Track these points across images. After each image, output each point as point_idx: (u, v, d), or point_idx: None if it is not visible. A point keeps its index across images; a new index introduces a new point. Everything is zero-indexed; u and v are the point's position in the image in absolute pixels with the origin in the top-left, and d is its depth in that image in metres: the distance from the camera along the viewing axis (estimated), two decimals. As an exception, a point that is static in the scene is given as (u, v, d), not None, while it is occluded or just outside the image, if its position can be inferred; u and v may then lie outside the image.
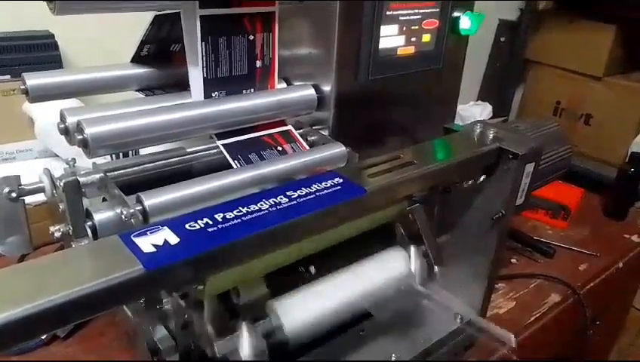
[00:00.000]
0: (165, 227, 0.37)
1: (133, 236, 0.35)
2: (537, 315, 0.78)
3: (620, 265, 0.96)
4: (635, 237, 1.02)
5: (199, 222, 0.38)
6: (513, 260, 0.90)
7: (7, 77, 0.89)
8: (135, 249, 0.34)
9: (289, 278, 0.50)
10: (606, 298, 1.02)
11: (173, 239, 0.36)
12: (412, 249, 0.55)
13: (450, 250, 0.65)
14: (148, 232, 0.36)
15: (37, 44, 0.90)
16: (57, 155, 0.92)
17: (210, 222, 0.38)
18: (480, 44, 1.88)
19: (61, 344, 0.66)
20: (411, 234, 0.62)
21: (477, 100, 1.58)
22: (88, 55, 0.99)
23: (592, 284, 0.89)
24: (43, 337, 0.65)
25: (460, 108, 1.34)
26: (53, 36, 0.92)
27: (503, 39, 1.89)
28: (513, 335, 0.50)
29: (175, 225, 0.37)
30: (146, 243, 0.35)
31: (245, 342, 0.42)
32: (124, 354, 0.63)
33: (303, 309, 0.47)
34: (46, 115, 0.88)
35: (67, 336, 0.67)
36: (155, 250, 0.34)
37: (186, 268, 0.34)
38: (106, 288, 0.31)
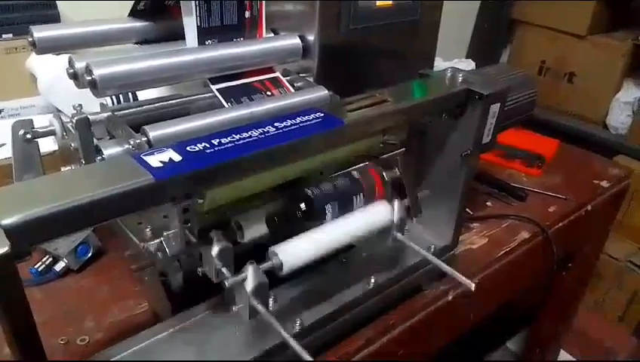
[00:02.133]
0: (170, 149, 0.43)
1: (143, 155, 0.42)
2: (507, 250, 0.86)
3: (589, 208, 1.03)
4: (604, 183, 1.08)
5: (198, 145, 0.44)
6: (488, 203, 0.97)
7: (10, 35, 0.94)
8: (145, 164, 0.40)
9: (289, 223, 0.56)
10: (575, 239, 1.10)
11: (177, 157, 0.42)
12: (396, 203, 0.60)
13: (425, 189, 0.71)
14: (155, 152, 0.42)
15: (37, 4, 0.94)
16: (59, 110, 0.97)
17: (208, 146, 0.44)
18: (468, 4, 1.91)
19: (75, 276, 0.73)
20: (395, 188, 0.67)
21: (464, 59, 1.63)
22: (85, 13, 1.03)
23: (560, 224, 0.96)
24: (58, 270, 0.72)
25: (445, 65, 1.39)
26: (51, -5, 0.97)
27: (490, -1, 1.93)
28: (471, 281, 0.56)
29: (178, 148, 0.43)
30: (154, 160, 0.41)
31: (251, 277, 0.48)
32: (135, 282, 0.70)
33: (299, 253, 0.52)
34: (48, 71, 0.93)
35: (80, 269, 0.74)
36: (162, 165, 0.41)
37: (188, 180, 0.41)
38: (123, 193, 0.37)
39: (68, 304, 0.69)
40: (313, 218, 0.56)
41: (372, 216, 0.59)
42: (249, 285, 0.47)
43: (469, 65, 1.42)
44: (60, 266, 0.72)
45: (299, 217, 0.56)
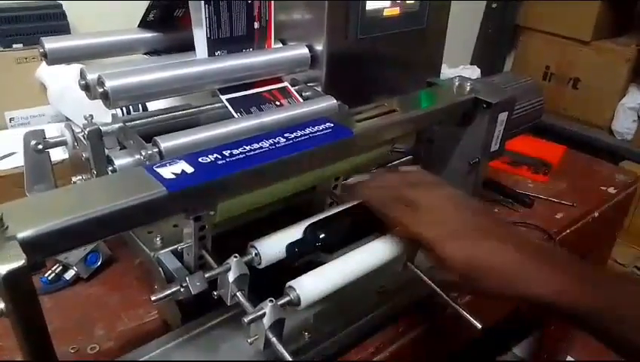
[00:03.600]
0: (182, 160, 0.44)
1: (155, 167, 0.42)
2: (515, 257, 0.86)
3: (596, 214, 1.03)
4: (611, 189, 1.08)
5: (210, 156, 0.45)
6: (495, 210, 0.97)
7: (20, 45, 0.95)
8: (158, 176, 0.41)
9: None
10: (583, 246, 1.10)
11: (189, 169, 0.42)
12: None
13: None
14: (167, 164, 0.43)
15: (47, 14, 0.95)
16: (69, 119, 0.98)
17: (220, 157, 0.45)
18: (472, 10, 1.92)
19: (85, 284, 0.74)
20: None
21: (469, 65, 1.64)
22: (94, 24, 1.04)
23: (567, 231, 0.96)
24: (68, 278, 0.73)
25: (450, 72, 1.40)
26: (61, 6, 0.98)
27: (494, 5, 1.94)
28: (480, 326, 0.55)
29: (190, 159, 0.44)
30: (167, 172, 0.42)
31: (269, 315, 0.47)
32: (145, 290, 0.71)
33: (317, 288, 0.52)
34: (58, 81, 0.94)
35: (90, 278, 0.74)
36: (174, 176, 0.41)
37: (200, 191, 0.41)
38: (136, 205, 0.38)
39: (78, 312, 0.69)
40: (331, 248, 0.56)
41: (388, 245, 0.59)
42: (267, 321, 0.47)
43: (474, 71, 1.43)
44: (69, 274, 0.73)
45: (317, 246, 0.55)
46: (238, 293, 0.48)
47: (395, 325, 0.69)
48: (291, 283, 0.50)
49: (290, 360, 0.46)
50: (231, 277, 0.47)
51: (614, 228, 1.20)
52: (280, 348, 0.47)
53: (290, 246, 0.52)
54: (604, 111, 1.86)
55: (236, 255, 0.48)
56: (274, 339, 0.47)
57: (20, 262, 0.32)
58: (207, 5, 0.58)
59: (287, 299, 0.49)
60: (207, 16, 0.59)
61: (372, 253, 0.57)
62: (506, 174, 1.09)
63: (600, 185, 1.09)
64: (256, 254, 0.51)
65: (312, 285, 0.51)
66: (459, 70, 1.44)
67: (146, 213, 0.39)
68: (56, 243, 0.36)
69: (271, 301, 0.47)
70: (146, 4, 0.64)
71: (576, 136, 1.82)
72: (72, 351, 0.63)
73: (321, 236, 0.54)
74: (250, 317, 0.46)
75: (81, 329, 0.66)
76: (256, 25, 0.63)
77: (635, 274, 1.70)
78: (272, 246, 0.51)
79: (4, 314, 0.34)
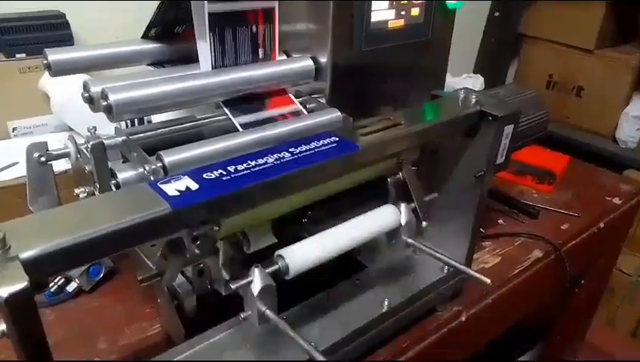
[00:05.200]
0: (186, 176, 0.43)
1: (159, 183, 0.42)
2: (521, 269, 0.85)
3: (601, 225, 1.02)
4: (616, 200, 1.08)
5: (214, 172, 0.44)
6: (500, 221, 0.97)
7: (23, 55, 0.95)
8: (162, 193, 0.40)
9: (295, 228, 0.56)
10: (588, 257, 1.09)
11: (194, 185, 0.42)
12: (402, 205, 0.61)
13: (436, 208, 0.71)
14: (171, 180, 0.42)
15: (50, 24, 0.95)
16: (71, 129, 0.98)
17: (224, 173, 0.44)
18: (475, 19, 1.92)
19: (87, 297, 0.73)
20: (402, 193, 0.68)
21: (471, 74, 1.63)
22: (97, 34, 1.04)
23: (573, 242, 0.95)
24: (70, 290, 0.72)
25: (454, 81, 1.40)
26: (64, 16, 0.98)
27: (497, 14, 1.94)
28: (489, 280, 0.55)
29: (194, 175, 0.43)
30: (171, 188, 0.41)
31: (257, 280, 0.48)
32: (147, 303, 0.70)
33: (306, 255, 0.52)
34: (61, 90, 0.94)
35: (92, 290, 0.74)
36: (178, 193, 0.41)
37: (205, 209, 0.41)
38: (141, 223, 0.37)
39: (80, 325, 0.69)
40: (318, 221, 0.56)
41: (378, 216, 0.59)
42: (255, 288, 0.47)
43: (478, 80, 1.42)
44: (72, 287, 0.72)
45: (304, 222, 0.55)
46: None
47: (401, 338, 0.68)
48: (280, 251, 0.50)
49: (291, 332, 0.45)
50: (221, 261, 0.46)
51: (620, 239, 1.20)
52: (274, 316, 0.46)
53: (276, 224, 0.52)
54: (607, 120, 1.85)
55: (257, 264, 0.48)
56: (268, 311, 0.46)
57: (22, 284, 0.31)
58: (211, 33, 0.57)
59: (275, 267, 0.49)
60: (212, 43, 0.58)
61: (360, 226, 0.58)
62: (510, 184, 1.08)
63: (605, 196, 1.09)
64: (244, 237, 0.50)
65: (302, 254, 0.50)
66: (462, 79, 1.44)
67: (151, 230, 0.39)
68: (59, 262, 0.35)
69: (257, 266, 0.47)
70: (148, 12, 0.64)
71: (580, 145, 1.81)
72: (74, 366, 0.62)
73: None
74: (238, 284, 0.46)
75: (83, 343, 0.66)
76: (260, 52, 0.63)
77: None
78: (261, 229, 0.51)
79: (6, 335, 0.34)
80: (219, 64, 0.59)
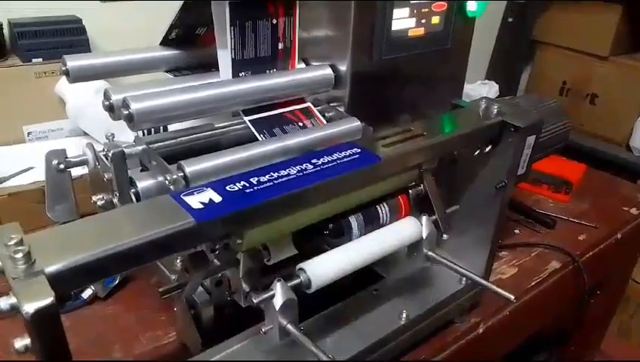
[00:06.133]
0: (209, 188, 0.43)
1: (183, 195, 0.41)
2: (538, 280, 0.84)
3: (619, 236, 1.01)
4: (634, 210, 1.06)
5: (237, 184, 0.44)
6: (516, 231, 0.96)
7: (40, 60, 0.95)
8: (186, 205, 0.40)
9: (315, 239, 0.55)
10: (605, 267, 1.07)
11: (217, 198, 0.41)
12: (424, 218, 0.60)
13: (456, 219, 0.70)
14: (195, 192, 0.42)
15: (66, 29, 0.96)
16: (86, 133, 0.98)
17: (247, 185, 0.44)
18: (488, 25, 1.91)
19: (102, 304, 0.73)
20: (423, 205, 0.67)
21: (485, 80, 1.62)
22: (113, 39, 1.04)
23: (591, 253, 0.94)
24: (85, 297, 0.72)
25: (468, 88, 1.39)
26: (80, 21, 0.98)
27: (510, 20, 1.92)
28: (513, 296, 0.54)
29: (217, 187, 0.43)
30: (195, 201, 0.41)
31: (279, 294, 0.47)
32: (162, 311, 0.70)
33: (327, 269, 0.51)
34: (77, 95, 0.94)
35: (107, 297, 0.73)
36: (202, 206, 0.40)
37: (229, 221, 0.40)
38: (165, 236, 0.37)
39: (95, 332, 0.68)
40: (339, 233, 0.56)
41: (399, 229, 0.59)
42: (277, 303, 0.46)
43: (492, 87, 1.41)
44: (87, 293, 0.72)
45: (325, 234, 0.55)
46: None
47: (419, 350, 0.67)
48: (301, 264, 0.49)
49: (312, 345, 0.45)
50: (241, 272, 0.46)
51: (636, 249, 1.18)
52: (295, 330, 0.45)
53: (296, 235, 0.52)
54: (621, 128, 1.83)
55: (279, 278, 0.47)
56: (289, 326, 0.46)
57: (48, 299, 0.31)
58: (232, 27, 0.57)
59: (297, 281, 0.48)
60: (232, 37, 0.58)
61: (382, 239, 0.57)
62: (526, 193, 1.07)
63: (622, 206, 1.07)
64: (265, 249, 0.50)
65: (323, 267, 0.50)
66: (476, 86, 1.43)
67: (175, 244, 0.38)
68: (84, 276, 0.35)
69: (279, 280, 0.46)
70: (164, 18, 0.64)
71: (594, 153, 1.79)
72: (90, 374, 0.62)
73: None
74: (260, 298, 0.45)
75: (98, 350, 0.65)
76: (280, 45, 0.62)
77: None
78: (282, 241, 0.50)
79: (29, 350, 0.33)
80: (239, 57, 0.59)
